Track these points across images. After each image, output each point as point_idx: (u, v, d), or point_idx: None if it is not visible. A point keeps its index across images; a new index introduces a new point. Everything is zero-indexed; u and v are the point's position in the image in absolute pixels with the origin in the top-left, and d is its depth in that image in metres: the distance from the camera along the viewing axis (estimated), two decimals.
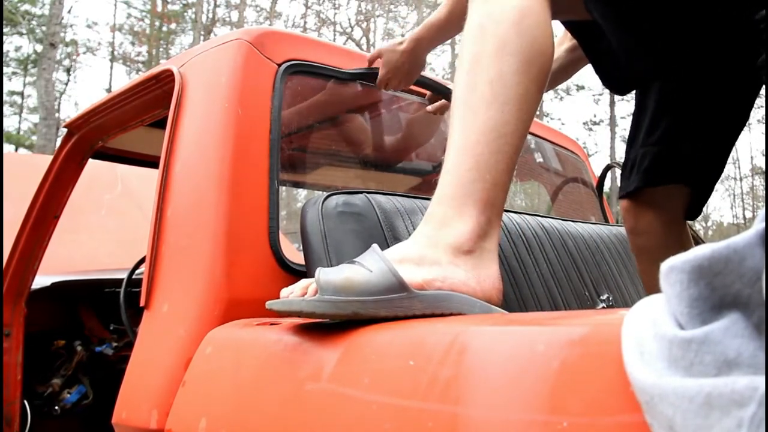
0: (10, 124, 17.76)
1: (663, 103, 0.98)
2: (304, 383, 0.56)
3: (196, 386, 0.71)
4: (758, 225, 0.27)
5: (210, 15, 18.78)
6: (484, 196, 0.61)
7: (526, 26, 0.64)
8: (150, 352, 0.82)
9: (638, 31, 0.77)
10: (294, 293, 0.59)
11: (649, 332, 0.32)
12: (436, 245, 0.61)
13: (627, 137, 1.08)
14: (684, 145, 0.96)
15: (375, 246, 0.60)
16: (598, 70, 0.97)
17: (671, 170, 0.97)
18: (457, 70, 0.68)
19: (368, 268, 0.57)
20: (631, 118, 1.07)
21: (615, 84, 0.98)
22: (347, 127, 1.47)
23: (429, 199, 0.95)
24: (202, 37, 16.98)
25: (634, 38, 0.77)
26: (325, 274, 0.57)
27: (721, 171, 1.00)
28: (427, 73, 1.15)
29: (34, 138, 14.31)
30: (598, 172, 1.75)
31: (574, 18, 0.82)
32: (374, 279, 0.55)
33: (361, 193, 0.85)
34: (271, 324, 0.70)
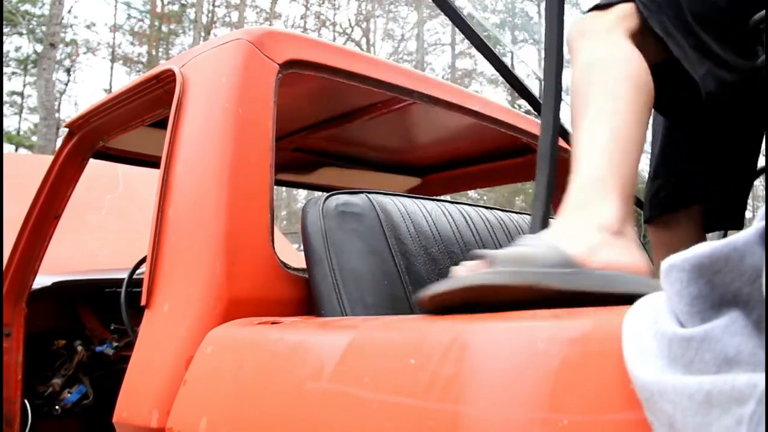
0: (10, 124, 17.75)
1: (674, 136, 1.07)
2: (304, 382, 0.56)
3: (197, 385, 0.71)
4: (758, 224, 0.27)
5: (210, 15, 18.79)
6: (621, 190, 0.66)
7: (634, 63, 0.79)
8: (151, 352, 0.82)
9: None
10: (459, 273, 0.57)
11: (650, 330, 0.32)
12: (586, 227, 0.61)
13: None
14: (698, 175, 1.06)
15: (527, 234, 0.60)
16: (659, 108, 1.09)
17: (686, 199, 1.08)
18: (575, 93, 0.78)
19: (533, 245, 0.55)
20: None
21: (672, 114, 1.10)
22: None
23: (429, 199, 0.95)
24: (202, 38, 16.98)
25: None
26: (499, 250, 0.55)
27: (743, 188, 1.07)
28: (427, 72, 1.15)
29: (34, 138, 14.30)
30: None
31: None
32: (545, 252, 0.54)
33: (362, 193, 0.85)
34: (272, 323, 0.70)
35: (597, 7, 0.91)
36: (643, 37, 0.86)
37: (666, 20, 0.88)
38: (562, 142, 1.58)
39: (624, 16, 0.88)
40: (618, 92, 0.74)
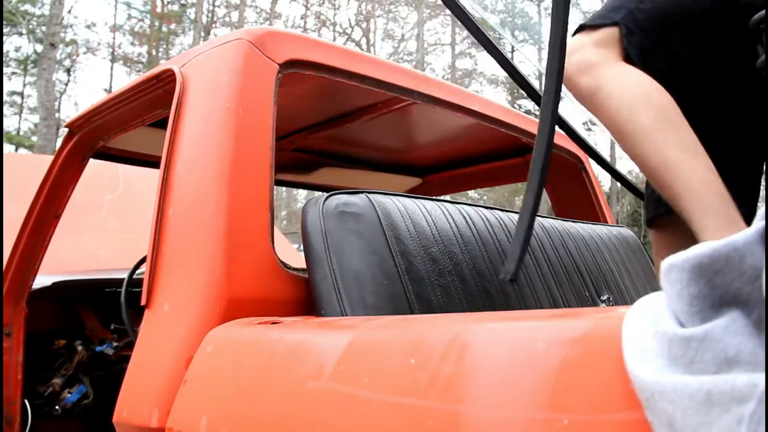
0: (10, 124, 17.76)
1: None
2: (304, 382, 0.56)
3: (197, 385, 0.71)
4: (758, 223, 0.27)
5: (210, 15, 18.79)
6: (737, 215, 0.76)
7: (661, 90, 0.86)
8: (151, 351, 0.82)
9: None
10: None
11: (650, 330, 0.32)
12: None
13: None
14: None
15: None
16: None
17: None
18: (626, 137, 0.86)
19: None
20: None
21: None
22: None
23: (429, 199, 0.95)
24: (202, 38, 16.98)
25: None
26: None
27: (747, 190, 1.11)
28: (427, 72, 1.15)
29: (34, 138, 14.30)
30: (597, 172, 1.75)
31: None
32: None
33: (362, 192, 0.85)
34: (273, 323, 0.70)
35: (584, 28, 0.95)
36: (630, 61, 0.91)
37: (648, 45, 0.92)
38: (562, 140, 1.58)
39: (612, 40, 0.93)
40: (672, 123, 0.82)
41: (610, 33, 0.93)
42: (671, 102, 0.84)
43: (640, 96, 0.84)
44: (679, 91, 0.91)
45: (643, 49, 0.92)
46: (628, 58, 0.93)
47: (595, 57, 0.91)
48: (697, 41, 0.94)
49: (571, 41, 0.95)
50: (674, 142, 0.80)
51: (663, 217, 1.14)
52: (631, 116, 0.84)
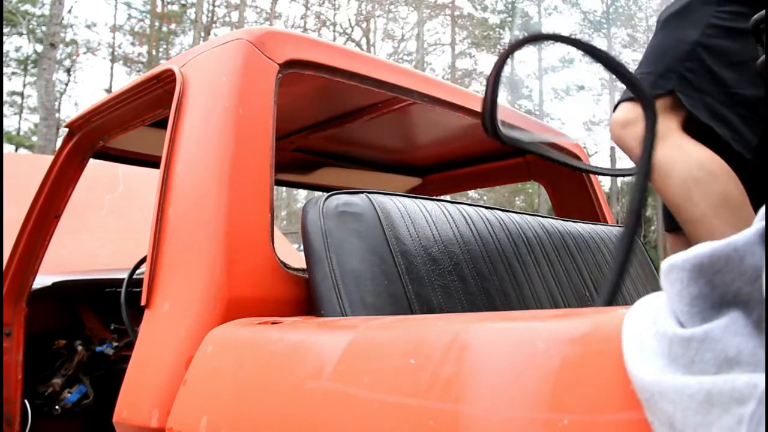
0: (10, 124, 17.77)
1: None
2: (304, 382, 0.56)
3: (197, 385, 0.71)
4: (758, 223, 0.27)
5: (210, 15, 18.80)
6: None
7: (724, 172, 0.87)
8: (151, 351, 0.82)
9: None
10: None
11: (650, 330, 0.32)
12: None
13: None
14: None
15: None
16: None
17: None
18: (690, 218, 0.87)
19: None
20: None
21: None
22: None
23: (429, 199, 0.95)
24: (202, 38, 16.99)
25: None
26: None
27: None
28: (427, 72, 1.15)
29: (34, 138, 14.31)
30: None
31: None
32: None
33: (362, 192, 0.85)
34: (273, 323, 0.70)
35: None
36: (690, 124, 0.91)
37: (711, 101, 0.92)
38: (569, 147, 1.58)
39: (668, 109, 0.91)
40: (730, 209, 0.83)
41: (666, 102, 0.92)
42: (731, 182, 0.83)
43: (698, 179, 0.84)
44: (740, 122, 0.90)
45: (707, 106, 0.91)
46: (687, 123, 0.92)
47: (659, 131, 0.89)
48: (740, 69, 0.93)
49: (629, 111, 0.93)
50: (730, 230, 0.79)
51: (679, 229, 1.14)
52: (688, 201, 0.84)
